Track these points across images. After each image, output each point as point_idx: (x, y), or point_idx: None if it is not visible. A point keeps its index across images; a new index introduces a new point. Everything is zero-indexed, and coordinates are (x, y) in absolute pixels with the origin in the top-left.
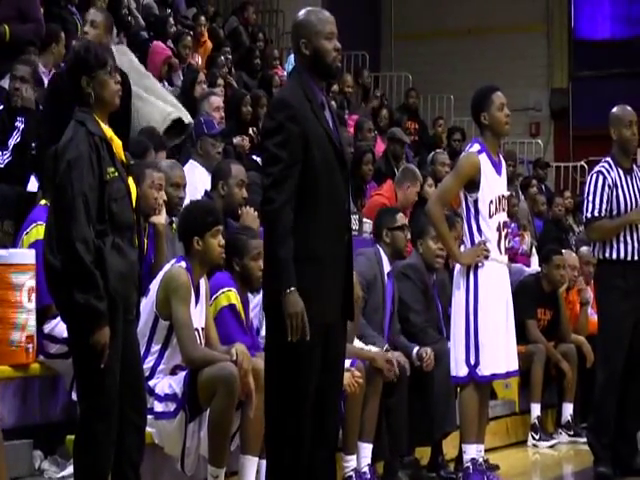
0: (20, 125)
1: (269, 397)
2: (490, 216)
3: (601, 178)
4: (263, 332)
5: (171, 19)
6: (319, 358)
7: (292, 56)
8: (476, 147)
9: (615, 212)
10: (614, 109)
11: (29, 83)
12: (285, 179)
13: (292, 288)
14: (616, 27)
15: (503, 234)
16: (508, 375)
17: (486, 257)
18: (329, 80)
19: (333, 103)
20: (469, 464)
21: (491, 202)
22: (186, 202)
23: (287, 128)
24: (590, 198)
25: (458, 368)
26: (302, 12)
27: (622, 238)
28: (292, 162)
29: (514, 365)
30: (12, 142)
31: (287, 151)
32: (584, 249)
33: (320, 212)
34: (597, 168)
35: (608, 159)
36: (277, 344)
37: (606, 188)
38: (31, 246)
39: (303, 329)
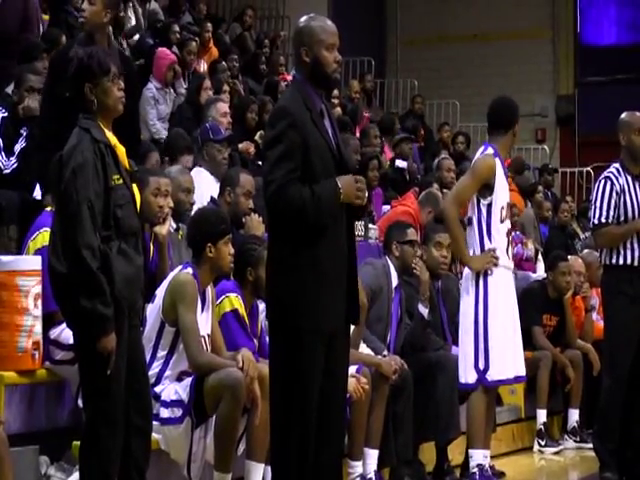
0: (25, 132)
1: (274, 402)
2: (502, 221)
3: (609, 184)
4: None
5: (176, 26)
6: (321, 362)
7: None
8: (490, 150)
9: (622, 218)
10: (623, 115)
11: (35, 92)
12: (289, 182)
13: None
14: (622, 33)
15: (510, 240)
16: (517, 380)
17: (495, 265)
18: (327, 90)
19: (338, 109)
20: (475, 470)
21: (502, 207)
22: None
23: (288, 136)
24: (598, 204)
25: (467, 374)
26: (305, 18)
27: (629, 244)
28: (294, 169)
29: (522, 371)
30: (18, 147)
31: (289, 160)
32: (586, 252)
33: None
34: (605, 174)
35: (616, 165)
36: (279, 349)
37: (614, 194)
38: (37, 252)
39: None
